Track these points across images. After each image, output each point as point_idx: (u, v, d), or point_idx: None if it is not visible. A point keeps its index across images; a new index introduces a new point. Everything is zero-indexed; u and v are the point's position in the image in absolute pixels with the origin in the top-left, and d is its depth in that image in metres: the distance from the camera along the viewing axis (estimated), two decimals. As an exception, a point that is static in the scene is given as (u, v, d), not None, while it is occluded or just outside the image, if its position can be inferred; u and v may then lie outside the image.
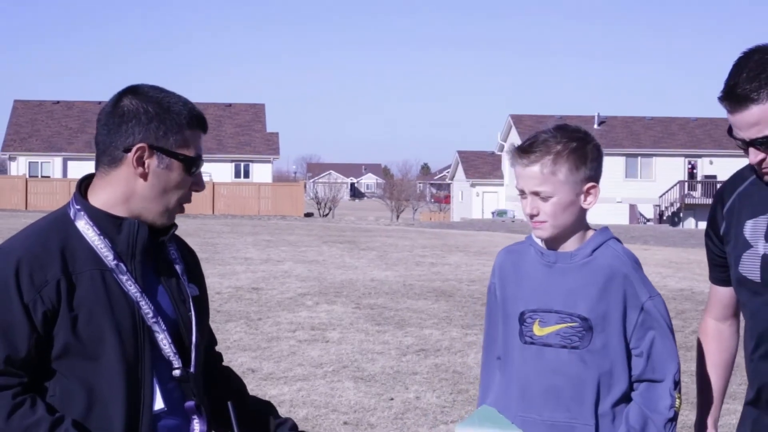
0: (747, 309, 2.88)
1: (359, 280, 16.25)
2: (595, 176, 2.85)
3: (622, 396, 2.83)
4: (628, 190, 56.66)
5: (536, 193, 2.82)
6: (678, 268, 20.20)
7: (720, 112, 2.73)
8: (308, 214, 54.44)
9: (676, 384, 2.81)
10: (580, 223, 2.88)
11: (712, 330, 3.08)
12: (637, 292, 2.82)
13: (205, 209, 48.25)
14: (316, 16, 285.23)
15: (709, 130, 59.40)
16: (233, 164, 59.03)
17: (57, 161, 57.75)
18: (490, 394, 2.99)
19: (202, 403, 2.57)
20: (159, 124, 2.49)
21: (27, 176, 53.65)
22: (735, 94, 2.64)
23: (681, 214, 56.78)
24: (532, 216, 2.84)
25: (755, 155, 2.70)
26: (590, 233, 2.90)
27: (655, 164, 58.87)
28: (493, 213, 60.97)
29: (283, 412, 6.82)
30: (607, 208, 50.93)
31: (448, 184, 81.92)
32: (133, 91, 2.53)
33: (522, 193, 2.86)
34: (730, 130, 2.74)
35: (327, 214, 62.98)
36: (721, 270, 2.99)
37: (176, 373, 2.51)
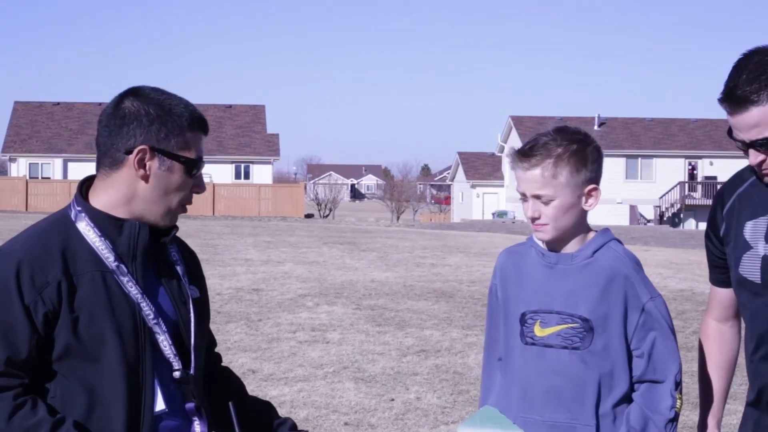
0: (747, 310, 2.88)
1: (360, 281, 16.25)
2: (595, 178, 2.86)
3: (623, 397, 2.83)
4: (629, 191, 56.67)
5: (537, 197, 2.82)
6: (678, 268, 20.20)
7: (720, 113, 2.73)
8: (308, 216, 54.44)
9: (678, 385, 2.82)
10: (581, 225, 2.88)
11: (714, 331, 3.08)
12: (638, 293, 2.82)
13: (205, 210, 48.26)
14: (316, 16, 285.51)
15: (709, 132, 59.41)
16: (233, 165, 59.03)
17: (57, 162, 57.76)
18: (492, 395, 2.99)
19: (202, 405, 2.57)
20: (160, 126, 2.49)
21: (27, 177, 53.66)
22: (735, 96, 2.64)
23: (681, 215, 56.80)
24: (533, 219, 2.84)
25: (755, 157, 2.70)
26: (591, 235, 2.90)
27: (655, 165, 58.88)
28: (493, 214, 60.94)
29: (283, 412, 6.82)
30: (607, 209, 50.92)
31: (449, 185, 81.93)
32: (134, 92, 2.53)
33: (523, 196, 2.87)
34: (730, 132, 2.74)
35: (327, 216, 62.98)
36: (722, 271, 2.99)
37: (176, 374, 2.51)
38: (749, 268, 2.82)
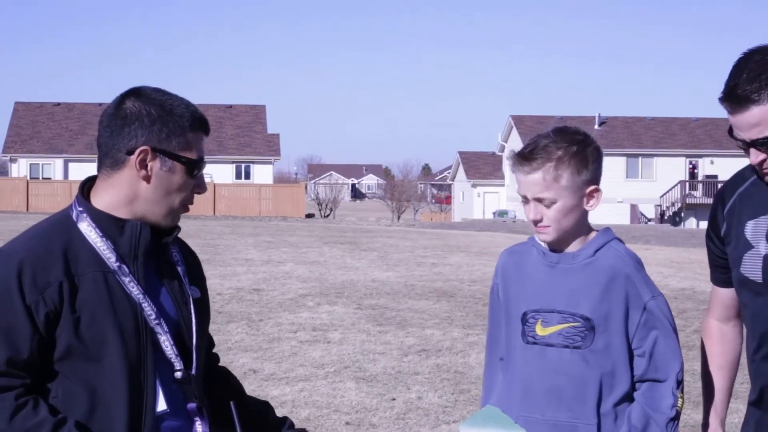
0: (748, 310, 2.88)
1: (360, 281, 16.25)
2: (596, 178, 2.86)
3: (624, 396, 2.84)
4: (629, 191, 56.66)
5: (539, 200, 2.82)
6: (679, 267, 20.20)
7: (721, 112, 2.73)
8: (309, 215, 54.43)
9: (679, 383, 2.82)
10: (582, 225, 2.88)
11: (716, 331, 3.08)
12: (640, 292, 2.82)
13: (206, 210, 48.25)
14: (316, 16, 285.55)
15: (709, 131, 59.40)
16: (234, 165, 59.03)
17: (58, 163, 57.77)
18: (493, 394, 3.00)
19: (204, 405, 2.57)
20: (162, 127, 2.49)
21: (28, 178, 53.64)
22: (735, 95, 2.64)
23: (682, 214, 56.79)
24: (535, 222, 2.84)
25: (756, 156, 2.70)
26: (593, 234, 2.91)
27: (656, 164, 58.87)
28: (494, 213, 60.95)
29: (284, 412, 6.83)
30: (608, 208, 50.94)
31: (449, 185, 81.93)
32: (135, 93, 2.53)
33: (524, 198, 2.87)
34: (730, 131, 2.74)
35: (328, 215, 62.97)
36: (723, 271, 2.99)
37: (178, 375, 2.51)
38: (750, 268, 2.82)
